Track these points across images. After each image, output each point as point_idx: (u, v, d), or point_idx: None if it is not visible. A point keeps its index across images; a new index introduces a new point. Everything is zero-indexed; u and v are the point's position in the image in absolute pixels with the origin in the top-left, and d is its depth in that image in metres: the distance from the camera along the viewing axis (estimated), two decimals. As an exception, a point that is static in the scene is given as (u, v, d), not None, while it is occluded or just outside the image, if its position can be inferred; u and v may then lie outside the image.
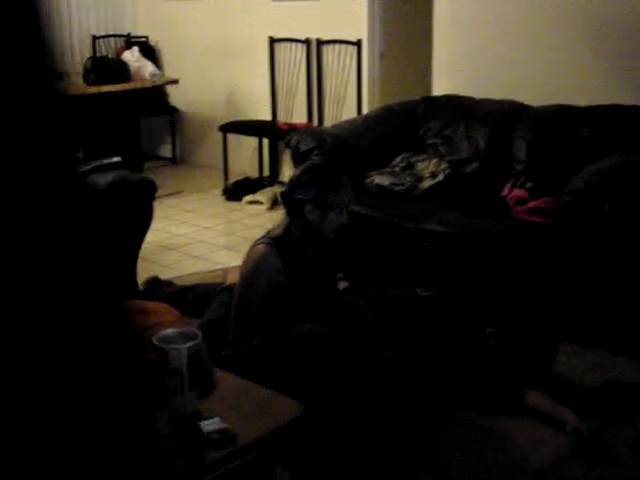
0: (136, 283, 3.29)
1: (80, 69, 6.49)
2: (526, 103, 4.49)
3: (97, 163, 3.23)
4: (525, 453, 2.75)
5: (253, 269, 2.88)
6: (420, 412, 2.98)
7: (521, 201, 3.93)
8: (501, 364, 3.10)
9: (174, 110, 7.46)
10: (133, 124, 7.01)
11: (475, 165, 4.42)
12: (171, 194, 6.41)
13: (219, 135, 6.51)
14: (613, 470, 2.64)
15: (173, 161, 7.64)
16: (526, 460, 2.71)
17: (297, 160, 4.53)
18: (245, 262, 2.96)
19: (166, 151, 7.71)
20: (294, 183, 2.98)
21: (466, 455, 2.75)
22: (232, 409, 1.89)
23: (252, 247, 2.98)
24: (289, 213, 2.97)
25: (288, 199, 2.96)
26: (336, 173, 3.01)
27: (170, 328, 1.92)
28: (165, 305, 2.33)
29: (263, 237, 3.00)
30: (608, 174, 3.55)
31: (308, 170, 3.02)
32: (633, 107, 4.09)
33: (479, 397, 3.04)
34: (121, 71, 6.50)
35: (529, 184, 4.05)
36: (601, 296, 3.48)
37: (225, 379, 2.05)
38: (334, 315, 3.06)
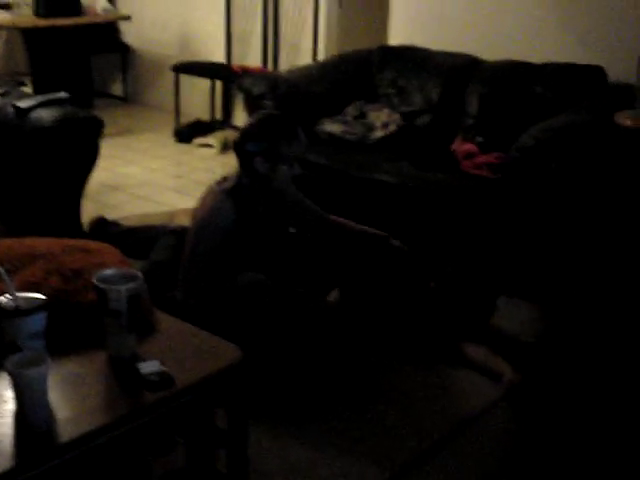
0: (80, 223, 3.24)
1: (31, 1, 6.31)
2: (481, 57, 4.48)
3: (44, 98, 3.15)
4: (456, 402, 2.81)
5: (208, 215, 2.86)
6: (360, 359, 3.02)
7: (470, 155, 3.96)
8: (441, 312, 3.14)
9: (126, 47, 7.30)
10: (84, 60, 6.86)
11: (427, 117, 4.41)
12: (120, 133, 6.31)
13: (171, 75, 6.40)
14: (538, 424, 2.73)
15: (124, 100, 7.50)
16: (456, 409, 2.77)
17: (250, 104, 4.48)
18: (200, 207, 2.93)
19: (117, 89, 7.57)
20: (245, 134, 2.94)
21: (401, 403, 2.80)
22: (171, 352, 1.88)
23: (207, 193, 2.95)
24: (240, 164, 2.94)
25: (239, 150, 2.93)
26: (289, 124, 2.97)
27: (111, 268, 1.90)
28: (108, 245, 2.30)
29: (218, 184, 2.96)
30: (557, 132, 3.58)
31: (260, 121, 2.97)
32: (586, 66, 4.11)
33: (419, 347, 3.08)
34: (73, 4, 6.33)
35: (479, 138, 4.07)
36: (542, 251, 3.54)
37: (165, 322, 2.04)
38: (282, 265, 3.04)
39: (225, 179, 2.98)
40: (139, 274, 1.86)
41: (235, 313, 2.77)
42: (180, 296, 2.84)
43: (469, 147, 4.02)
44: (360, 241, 3.15)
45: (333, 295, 3.13)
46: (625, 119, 3.49)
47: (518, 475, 2.48)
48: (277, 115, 3.07)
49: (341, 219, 3.21)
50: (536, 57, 4.29)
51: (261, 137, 2.88)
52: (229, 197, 2.87)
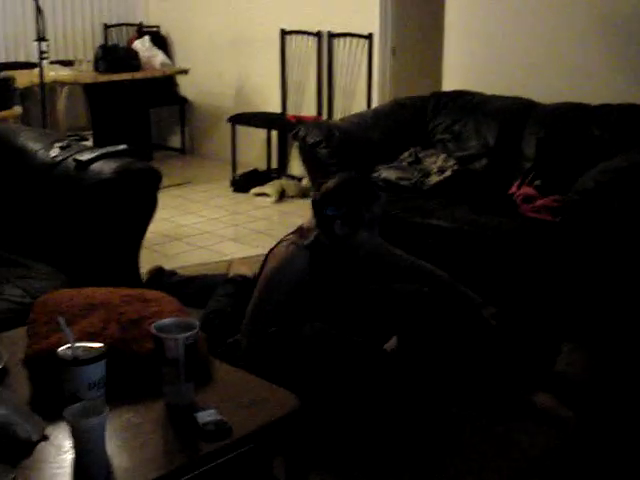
0: (138, 273, 3.27)
1: (91, 57, 6.49)
2: (537, 100, 4.45)
3: (104, 151, 3.21)
4: (525, 454, 2.73)
5: (281, 265, 2.88)
6: (424, 408, 2.96)
7: (529, 199, 3.90)
8: (505, 357, 3.07)
9: (184, 100, 7.44)
10: (143, 113, 7.00)
11: (483, 161, 4.38)
12: (179, 184, 6.40)
13: (228, 126, 6.50)
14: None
15: (182, 151, 7.62)
16: (526, 462, 2.69)
17: (305, 153, 4.51)
18: (272, 256, 2.95)
19: (175, 141, 7.70)
20: (325, 197, 2.95)
21: (466, 455, 2.73)
22: (228, 401, 1.87)
23: (282, 244, 2.97)
24: (318, 225, 2.95)
25: (319, 212, 2.94)
26: (369, 187, 3.00)
27: (169, 317, 1.91)
28: (166, 295, 2.31)
29: (294, 235, 2.98)
30: (617, 173, 3.52)
31: (340, 185, 2.98)
32: (644, 106, 4.06)
33: (483, 398, 3.01)
34: (131, 60, 6.49)
35: (538, 182, 4.02)
36: (606, 298, 3.45)
37: (222, 371, 2.03)
38: (344, 315, 3.02)
39: (300, 230, 2.99)
40: (196, 323, 1.86)
41: (298, 362, 2.75)
42: (244, 343, 2.84)
43: (527, 191, 3.96)
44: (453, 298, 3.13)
45: (391, 343, 3.09)
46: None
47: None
48: (357, 178, 3.09)
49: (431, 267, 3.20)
50: (592, 99, 4.24)
51: (341, 202, 2.89)
52: (304, 250, 2.88)
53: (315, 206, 2.96)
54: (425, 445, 2.78)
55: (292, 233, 3.03)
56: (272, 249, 3.02)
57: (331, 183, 3.02)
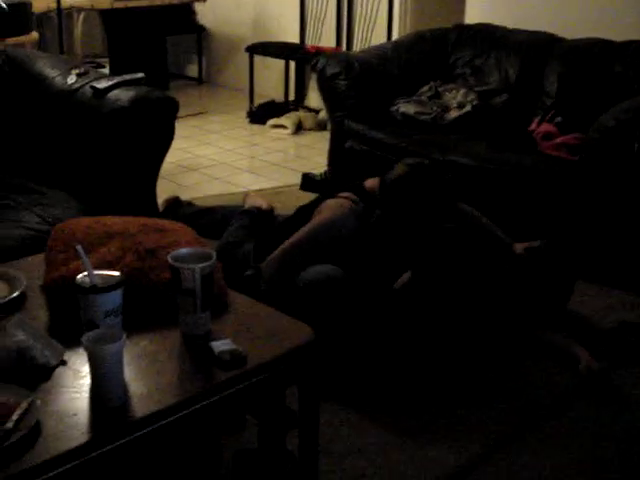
0: (155, 202, 3.27)
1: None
2: (561, 35, 4.37)
3: (121, 79, 3.19)
4: (537, 391, 2.75)
5: (334, 220, 2.89)
6: (436, 344, 2.98)
7: (549, 136, 3.86)
8: (528, 293, 3.06)
9: (201, 29, 7.35)
10: (160, 41, 6.93)
11: (504, 97, 4.32)
12: (195, 114, 6.37)
13: (246, 56, 6.42)
14: (622, 411, 2.64)
15: (199, 81, 7.56)
16: (538, 398, 2.71)
17: (323, 84, 4.46)
18: (328, 209, 2.96)
19: (192, 70, 7.63)
20: (396, 182, 2.97)
21: (477, 388, 2.76)
22: (244, 331, 1.88)
23: (339, 199, 2.97)
24: (381, 199, 2.96)
25: (384, 191, 2.95)
26: (440, 182, 3.00)
27: (186, 248, 1.91)
28: (183, 225, 2.31)
29: (353, 193, 2.99)
30: (638, 112, 3.47)
31: (411, 174, 3.00)
32: (671, 44, 3.97)
33: (498, 333, 3.02)
34: (149, -14, 6.40)
35: (558, 119, 3.97)
36: (624, 236, 3.44)
37: (238, 301, 2.04)
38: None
39: (361, 190, 3.01)
40: (213, 253, 1.86)
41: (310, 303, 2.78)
42: (267, 275, 2.85)
43: (548, 127, 3.92)
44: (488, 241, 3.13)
45: (403, 278, 3.09)
46: None
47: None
48: (428, 170, 3.05)
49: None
50: (617, 35, 4.16)
51: (408, 192, 2.89)
52: (358, 216, 2.89)
53: (382, 187, 2.97)
54: (438, 378, 2.81)
55: (351, 189, 3.02)
56: (325, 200, 3.03)
57: (403, 167, 3.01)
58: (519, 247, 3.18)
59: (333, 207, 2.96)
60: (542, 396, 2.72)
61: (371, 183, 3.13)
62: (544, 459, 2.39)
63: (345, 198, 3.00)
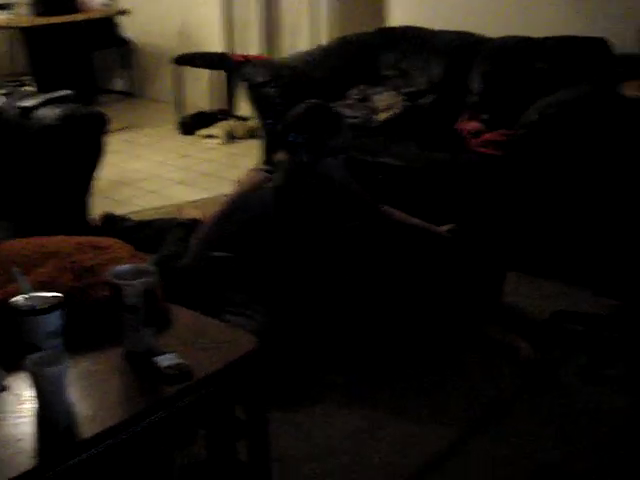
0: (88, 219, 3.24)
1: (28, 0, 6.31)
2: (483, 34, 4.46)
3: (47, 96, 3.15)
4: (481, 385, 2.80)
5: (243, 194, 2.92)
6: (379, 335, 3.01)
7: (476, 133, 3.94)
8: (459, 293, 3.12)
9: (126, 42, 7.29)
10: (85, 57, 6.85)
11: (431, 97, 4.39)
12: (125, 128, 6.31)
13: (173, 68, 6.39)
14: (562, 398, 2.71)
15: (127, 94, 7.49)
16: (482, 392, 2.76)
17: (252, 93, 4.47)
18: (239, 184, 3.01)
19: (120, 84, 7.56)
20: (289, 125, 2.97)
21: (423, 386, 2.80)
22: (188, 344, 1.88)
23: (250, 175, 3.00)
24: (285, 152, 2.97)
25: (283, 138, 2.95)
26: (333, 116, 3.00)
27: (124, 264, 1.90)
28: (119, 241, 2.30)
29: (265, 165, 3.04)
30: (561, 106, 3.56)
31: (304, 112, 3.01)
32: (588, 38, 4.08)
33: (439, 325, 3.07)
34: (70, 2, 6.32)
35: (484, 116, 4.05)
36: (552, 227, 3.53)
37: (181, 315, 2.04)
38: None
39: (270, 162, 3.03)
40: (152, 268, 1.86)
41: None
42: (186, 261, 2.86)
43: (474, 125, 4.00)
44: (413, 233, 3.16)
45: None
46: (630, 90, 3.47)
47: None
48: (321, 106, 3.09)
49: (394, 210, 3.22)
50: (538, 31, 4.25)
51: (304, 129, 2.89)
52: (272, 182, 2.91)
53: (280, 136, 2.98)
54: (382, 379, 2.84)
55: (261, 163, 3.08)
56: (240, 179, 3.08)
57: (295, 110, 3.03)
58: (443, 228, 3.25)
59: (242, 182, 2.98)
60: (487, 390, 2.77)
61: (280, 155, 3.15)
62: (495, 459, 2.44)
63: (256, 171, 3.04)
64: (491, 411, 2.66)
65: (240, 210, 2.91)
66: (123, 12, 6.87)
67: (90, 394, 1.72)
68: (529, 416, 2.62)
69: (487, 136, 3.88)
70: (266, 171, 3.05)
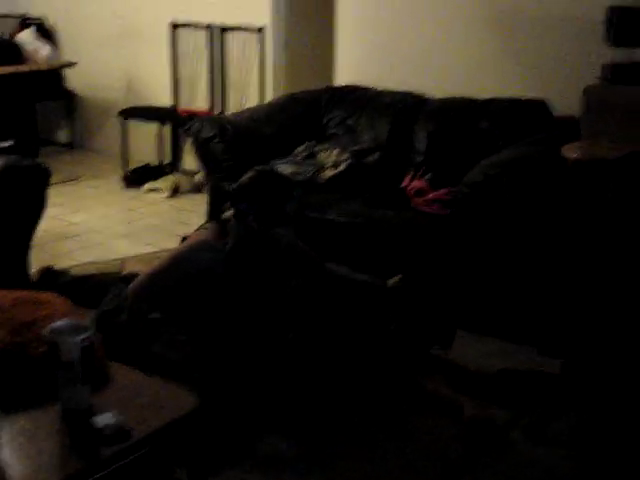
0: (28, 273, 3.18)
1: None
2: (428, 95, 4.54)
3: (-12, 147, 3.12)
4: (427, 447, 2.77)
5: (188, 251, 2.91)
6: (320, 403, 2.98)
7: (421, 192, 3.98)
8: (401, 350, 3.12)
9: (71, 94, 7.25)
10: (28, 108, 6.79)
11: (377, 155, 4.43)
12: (68, 181, 6.23)
13: (118, 120, 6.36)
14: (509, 458, 2.70)
15: (71, 147, 7.42)
16: (429, 454, 2.74)
17: (198, 148, 4.47)
18: (188, 241, 2.98)
19: (63, 136, 7.49)
20: (239, 192, 2.98)
21: (364, 448, 2.76)
22: (126, 403, 1.84)
23: (199, 230, 3.03)
24: (235, 217, 2.97)
25: (234, 204, 2.97)
26: (283, 184, 3.02)
27: (62, 320, 1.86)
28: (58, 296, 2.25)
29: (212, 224, 3.03)
30: (505, 166, 3.63)
31: (254, 180, 3.03)
32: (529, 101, 4.18)
33: (379, 385, 3.05)
34: (15, 52, 6.28)
35: (429, 175, 4.10)
36: (496, 286, 3.55)
37: (120, 372, 2.00)
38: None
39: (220, 221, 3.02)
40: (91, 325, 1.82)
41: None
42: (123, 317, 2.81)
43: (419, 184, 4.04)
44: (357, 288, 3.16)
45: (289, 337, 3.10)
46: (571, 152, 3.55)
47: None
48: (270, 174, 3.11)
49: (338, 267, 3.23)
50: (481, 92, 4.35)
51: (254, 198, 2.91)
52: (217, 236, 2.89)
53: (231, 199, 2.98)
54: (314, 442, 2.81)
55: (210, 222, 3.06)
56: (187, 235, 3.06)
57: (245, 178, 3.04)
58: (392, 280, 3.26)
59: (191, 238, 2.98)
60: (433, 452, 2.75)
61: (227, 213, 3.15)
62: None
63: (204, 227, 3.03)
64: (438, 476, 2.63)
65: (182, 265, 2.87)
66: (69, 64, 6.85)
67: (24, 454, 1.66)
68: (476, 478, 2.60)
69: (431, 195, 3.92)
70: (215, 227, 3.03)
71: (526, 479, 2.59)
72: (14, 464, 1.59)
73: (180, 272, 2.87)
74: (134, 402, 1.86)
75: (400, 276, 3.28)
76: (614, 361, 3.20)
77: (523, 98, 4.21)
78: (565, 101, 4.09)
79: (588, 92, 3.63)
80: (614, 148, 3.47)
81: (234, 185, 3.12)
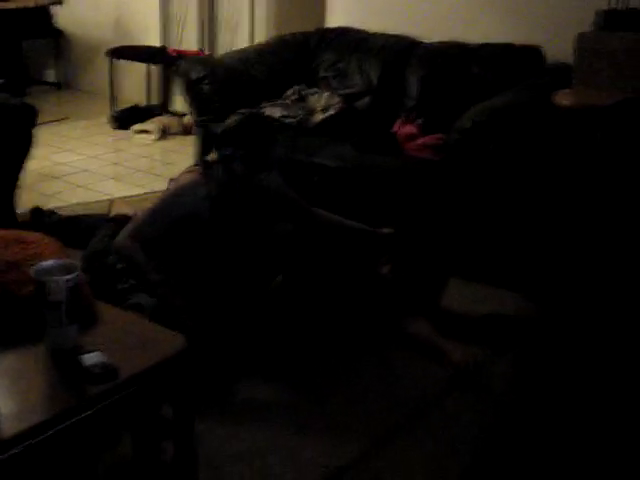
0: (15, 213, 3.16)
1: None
2: (420, 38, 4.49)
3: (-25, 85, 3.08)
4: (407, 386, 2.81)
5: (179, 192, 2.90)
6: (306, 338, 3.01)
7: (412, 137, 3.96)
8: (393, 295, 3.14)
9: (59, 32, 7.14)
10: (15, 46, 6.70)
11: (367, 99, 4.40)
12: (55, 120, 6.18)
13: (107, 60, 6.28)
14: (488, 400, 2.74)
15: (58, 86, 7.34)
16: (408, 393, 2.77)
17: (188, 89, 4.42)
18: (175, 183, 2.98)
19: (51, 75, 7.40)
20: (224, 136, 2.95)
21: (348, 387, 2.79)
22: (114, 343, 1.85)
23: (185, 174, 2.98)
24: (220, 161, 2.95)
25: (219, 149, 2.94)
26: (268, 129, 2.99)
27: (50, 259, 1.86)
28: (46, 236, 2.24)
29: (199, 166, 3.00)
30: (494, 113, 3.61)
31: (239, 125, 3.00)
32: (523, 47, 4.14)
33: (364, 324, 3.08)
34: (1, -11, 6.17)
35: (420, 120, 4.07)
36: (485, 232, 3.56)
37: (107, 312, 2.00)
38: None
39: (205, 163, 2.99)
40: (78, 265, 1.82)
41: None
42: (118, 244, 2.82)
43: (410, 129, 4.02)
44: (347, 235, 3.16)
45: (277, 281, 3.11)
46: (563, 99, 3.53)
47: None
48: (256, 118, 3.08)
49: (327, 213, 3.22)
50: (474, 37, 4.30)
51: (239, 142, 2.88)
52: (208, 184, 2.87)
53: (216, 143, 2.96)
54: (309, 374, 2.84)
55: (197, 164, 3.03)
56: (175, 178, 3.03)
57: (231, 122, 3.02)
58: (385, 230, 3.27)
59: (179, 181, 2.98)
60: (412, 392, 2.78)
61: (212, 155, 3.14)
62: (414, 462, 2.45)
63: (191, 170, 3.02)
64: (413, 413, 2.66)
65: (167, 212, 2.86)
66: (57, 1, 6.74)
67: (13, 392, 1.68)
68: (450, 419, 2.64)
69: (422, 140, 3.91)
70: (202, 171, 3.01)
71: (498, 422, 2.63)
72: (2, 402, 1.60)
73: (165, 219, 2.85)
74: (122, 342, 1.87)
75: (392, 229, 3.28)
76: (597, 308, 3.23)
77: (516, 44, 4.17)
78: (559, 47, 4.04)
79: (581, 39, 3.60)
80: (606, 95, 3.46)
81: (219, 129, 3.10)
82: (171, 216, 2.84)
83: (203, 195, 2.87)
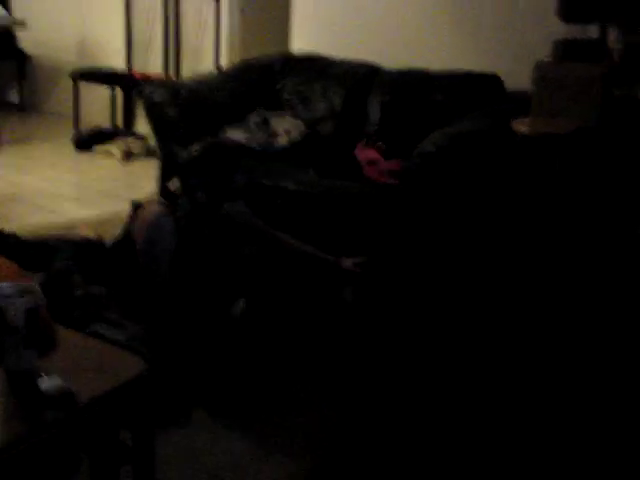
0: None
1: None
2: (383, 65, 4.54)
3: None
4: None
5: (152, 237, 2.84)
6: (268, 362, 3.01)
7: (373, 162, 3.99)
8: (355, 320, 3.16)
9: (22, 54, 7.11)
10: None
11: (330, 125, 4.44)
12: (17, 142, 6.13)
13: (70, 82, 6.26)
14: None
15: (21, 108, 7.30)
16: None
17: (151, 112, 4.42)
18: (142, 223, 2.93)
19: (14, 97, 7.36)
20: (188, 167, 2.97)
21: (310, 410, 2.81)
22: (72, 367, 1.84)
23: (148, 209, 2.96)
24: (183, 191, 2.95)
25: (183, 178, 2.95)
26: (232, 157, 3.01)
27: (8, 283, 1.85)
28: (4, 259, 2.23)
29: (159, 197, 3.00)
30: (457, 138, 3.65)
31: (202, 154, 3.01)
32: (483, 75, 4.21)
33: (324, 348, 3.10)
34: (-36, 10, 6.14)
35: (381, 144, 4.11)
36: (444, 254, 3.60)
37: (66, 336, 1.99)
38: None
39: (166, 192, 3.00)
40: (36, 288, 1.81)
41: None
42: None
43: (372, 154, 4.06)
44: (308, 262, 3.18)
45: (239, 306, 3.11)
46: (521, 126, 3.59)
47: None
48: (219, 147, 3.08)
49: (291, 239, 3.23)
50: (436, 65, 4.36)
51: (202, 172, 2.89)
52: (168, 210, 2.88)
53: (180, 173, 2.97)
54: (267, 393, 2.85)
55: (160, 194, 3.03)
56: (135, 211, 3.00)
57: (194, 151, 3.02)
58: (348, 261, 3.28)
59: (145, 220, 2.95)
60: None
61: (173, 183, 3.14)
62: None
63: (151, 203, 3.01)
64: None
65: (159, 251, 2.87)
66: (20, 24, 6.71)
67: (-34, 417, 1.66)
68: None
69: (384, 165, 3.94)
70: (166, 202, 3.01)
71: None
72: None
73: (161, 260, 2.86)
74: (80, 366, 1.86)
75: (355, 260, 3.30)
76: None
77: (477, 72, 4.23)
78: (519, 76, 4.11)
79: (539, 68, 3.67)
80: (563, 123, 3.52)
81: (182, 159, 3.11)
82: (161, 266, 2.84)
83: (171, 229, 2.87)
